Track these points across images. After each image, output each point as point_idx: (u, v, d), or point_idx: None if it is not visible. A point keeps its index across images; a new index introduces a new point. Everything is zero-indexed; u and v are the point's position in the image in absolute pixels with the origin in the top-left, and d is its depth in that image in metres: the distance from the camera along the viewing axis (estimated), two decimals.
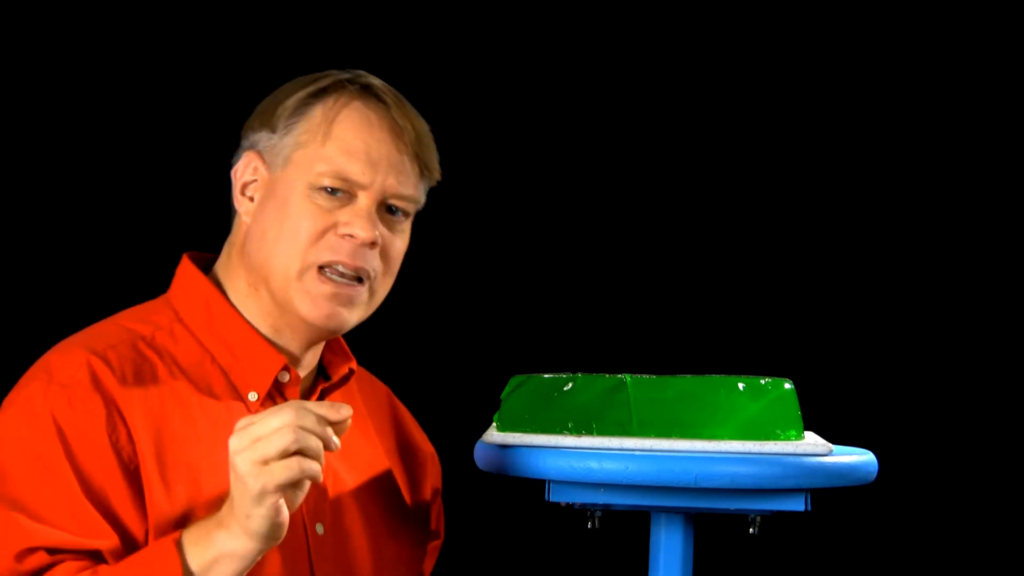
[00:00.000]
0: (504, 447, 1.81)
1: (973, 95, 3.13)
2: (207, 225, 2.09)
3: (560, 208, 3.16)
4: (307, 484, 1.74)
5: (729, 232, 3.16)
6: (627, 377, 1.82)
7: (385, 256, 1.95)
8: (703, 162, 3.17)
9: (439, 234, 3.11)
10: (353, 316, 1.95)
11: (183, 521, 1.83)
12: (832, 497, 1.99)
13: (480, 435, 1.87)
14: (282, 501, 1.72)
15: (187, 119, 3.01)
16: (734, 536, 2.07)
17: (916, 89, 3.13)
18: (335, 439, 1.73)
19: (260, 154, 1.97)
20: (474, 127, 3.11)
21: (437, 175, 2.02)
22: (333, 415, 1.74)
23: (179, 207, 2.97)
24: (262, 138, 1.97)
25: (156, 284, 2.03)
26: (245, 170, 1.98)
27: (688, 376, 1.83)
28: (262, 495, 1.71)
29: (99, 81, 3.01)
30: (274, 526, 1.73)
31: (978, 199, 3.14)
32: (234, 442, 1.71)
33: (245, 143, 1.99)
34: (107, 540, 1.80)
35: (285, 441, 1.69)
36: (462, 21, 3.13)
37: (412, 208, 1.99)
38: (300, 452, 1.70)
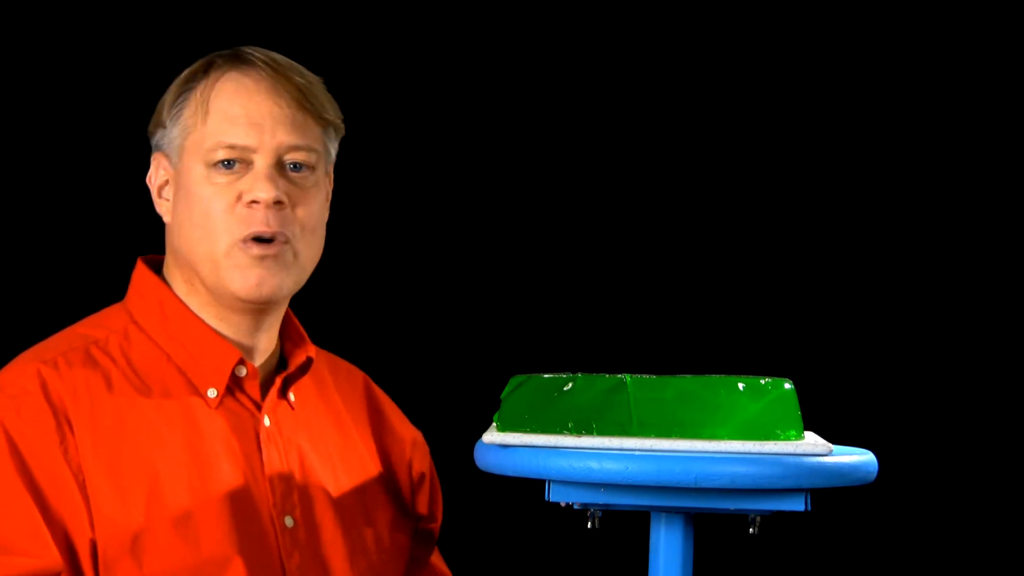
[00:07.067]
0: (504, 447, 1.81)
1: (973, 95, 3.13)
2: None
3: (560, 208, 3.16)
4: None
5: (729, 232, 3.16)
6: (627, 377, 1.82)
7: (297, 214, 1.95)
8: (703, 162, 3.17)
9: (440, 234, 3.11)
10: (285, 282, 1.94)
11: (142, 527, 1.83)
12: (832, 497, 1.99)
13: (480, 435, 1.87)
14: None
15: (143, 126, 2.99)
16: (734, 536, 2.07)
17: (916, 89, 3.13)
18: None
19: (164, 153, 1.98)
20: (476, 127, 3.11)
21: (338, 122, 2.01)
22: None
23: (141, 216, 2.94)
24: (160, 137, 1.99)
25: (117, 295, 2.04)
26: (156, 173, 2.00)
27: (688, 376, 1.83)
28: None
29: (54, 89, 2.98)
30: None
31: (978, 199, 3.14)
32: None
33: (152, 148, 2.01)
34: (52, 557, 1.79)
35: None
36: (468, 22, 3.13)
37: (314, 160, 1.97)
38: None
